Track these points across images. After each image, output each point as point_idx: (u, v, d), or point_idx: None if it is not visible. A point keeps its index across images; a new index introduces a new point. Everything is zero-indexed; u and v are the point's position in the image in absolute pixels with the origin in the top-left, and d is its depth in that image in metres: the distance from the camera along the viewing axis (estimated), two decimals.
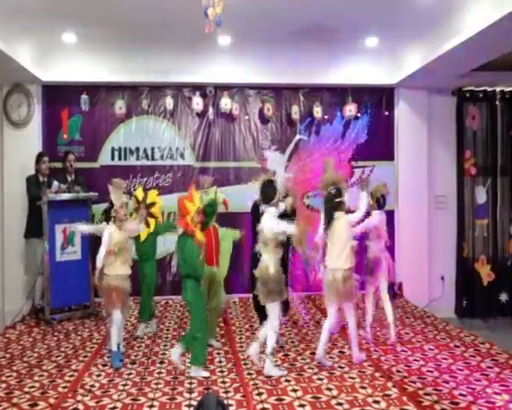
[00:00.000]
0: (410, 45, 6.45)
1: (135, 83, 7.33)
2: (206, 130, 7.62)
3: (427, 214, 7.68)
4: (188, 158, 7.60)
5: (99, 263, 4.78)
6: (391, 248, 7.33)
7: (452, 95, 7.74)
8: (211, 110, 7.53)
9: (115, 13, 5.37)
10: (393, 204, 7.60)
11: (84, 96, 7.22)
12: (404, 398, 4.00)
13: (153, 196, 5.74)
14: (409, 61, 6.85)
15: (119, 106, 7.32)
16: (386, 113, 7.79)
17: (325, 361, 4.73)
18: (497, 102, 7.70)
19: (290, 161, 7.66)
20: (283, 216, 4.65)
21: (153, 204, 5.69)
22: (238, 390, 4.17)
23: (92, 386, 4.30)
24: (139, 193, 5.71)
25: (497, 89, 7.68)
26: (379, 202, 5.44)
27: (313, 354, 5.00)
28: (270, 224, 4.47)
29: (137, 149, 7.51)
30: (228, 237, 5.41)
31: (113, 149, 7.47)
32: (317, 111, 7.54)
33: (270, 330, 4.53)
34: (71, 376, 4.54)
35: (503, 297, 7.62)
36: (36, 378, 4.50)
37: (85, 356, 5.06)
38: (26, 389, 4.25)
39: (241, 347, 5.28)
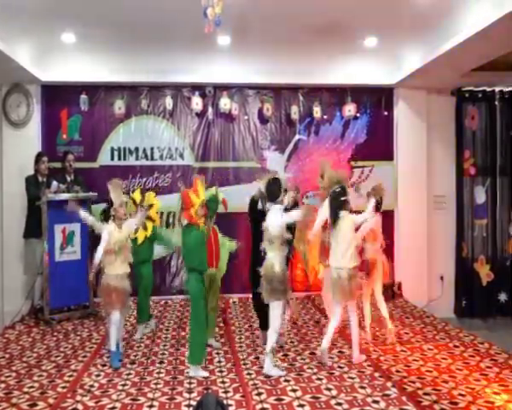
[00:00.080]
0: (410, 45, 6.44)
1: (134, 83, 7.32)
2: (206, 130, 7.62)
3: (427, 214, 7.68)
4: (187, 158, 7.59)
5: (97, 259, 4.78)
6: (390, 249, 7.37)
7: (452, 95, 7.75)
8: (210, 110, 7.53)
9: (115, 13, 5.37)
10: (393, 204, 7.62)
11: (84, 96, 7.21)
12: (404, 398, 4.00)
13: (150, 198, 5.73)
14: (408, 61, 6.84)
15: (119, 106, 7.31)
16: (386, 113, 7.79)
17: (326, 358, 4.74)
18: (497, 102, 7.70)
19: (289, 161, 7.70)
20: (285, 210, 4.67)
21: (150, 206, 5.67)
22: (237, 390, 4.17)
23: (91, 386, 4.30)
24: (137, 195, 5.69)
25: (497, 89, 7.68)
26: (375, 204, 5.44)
27: (313, 354, 5.00)
28: (276, 220, 4.48)
29: (137, 149, 7.51)
30: (224, 246, 5.38)
31: (112, 149, 7.46)
32: (317, 111, 7.54)
33: (270, 330, 4.54)
34: (70, 376, 4.54)
35: (503, 297, 7.62)
36: (35, 378, 4.50)
37: (85, 356, 5.06)
38: (26, 390, 4.25)
39: (241, 347, 5.27)
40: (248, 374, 4.51)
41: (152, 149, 7.53)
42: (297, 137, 7.68)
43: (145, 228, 5.60)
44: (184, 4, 4.83)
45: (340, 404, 3.91)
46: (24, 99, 7.08)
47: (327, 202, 5.10)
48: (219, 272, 5.28)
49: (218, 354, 5.05)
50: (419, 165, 7.66)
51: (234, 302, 7.12)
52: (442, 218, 7.78)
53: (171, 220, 7.40)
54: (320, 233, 5.33)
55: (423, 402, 3.94)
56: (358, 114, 7.68)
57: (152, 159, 7.52)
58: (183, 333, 5.74)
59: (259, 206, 5.09)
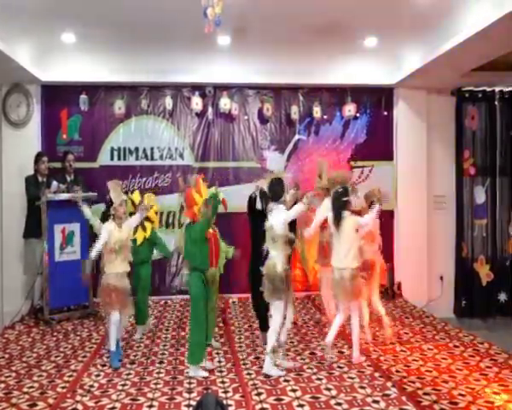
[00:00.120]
0: (410, 45, 6.45)
1: (134, 83, 7.32)
2: (206, 130, 7.62)
3: (427, 214, 7.68)
4: (187, 158, 7.59)
5: (93, 254, 4.76)
6: (390, 249, 7.38)
7: (451, 95, 7.74)
8: (210, 110, 7.53)
9: (115, 13, 5.37)
10: (392, 204, 7.62)
11: (84, 96, 7.21)
12: (404, 398, 4.00)
13: (149, 199, 5.71)
14: (408, 61, 6.84)
15: (119, 106, 7.31)
16: (386, 113, 7.79)
17: (330, 352, 4.75)
18: (497, 103, 7.69)
19: (289, 161, 7.69)
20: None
21: (150, 207, 5.65)
22: (237, 390, 4.17)
23: (91, 386, 4.30)
24: (136, 196, 5.68)
25: (497, 89, 7.68)
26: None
27: (313, 354, 5.01)
28: (280, 217, 4.48)
29: (137, 149, 7.51)
30: (222, 250, 5.35)
31: (112, 149, 7.46)
32: (317, 111, 7.54)
33: (271, 330, 4.53)
34: (70, 376, 4.54)
35: (502, 297, 7.62)
36: (35, 379, 4.49)
37: (84, 356, 5.06)
38: (25, 390, 4.25)
39: (240, 347, 5.27)
40: (248, 374, 4.51)
41: (152, 149, 7.52)
42: (297, 137, 7.69)
43: (144, 229, 5.60)
44: (184, 4, 4.84)
45: (339, 404, 3.90)
46: (24, 99, 7.08)
47: (326, 202, 5.11)
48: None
49: (217, 354, 5.05)
50: (419, 165, 7.66)
51: (233, 302, 7.12)
52: (442, 218, 7.77)
53: (170, 220, 7.40)
54: (318, 233, 5.33)
55: (423, 402, 3.94)
56: (358, 114, 7.68)
57: (152, 159, 7.52)
58: (183, 333, 5.74)
59: (258, 206, 5.09)
